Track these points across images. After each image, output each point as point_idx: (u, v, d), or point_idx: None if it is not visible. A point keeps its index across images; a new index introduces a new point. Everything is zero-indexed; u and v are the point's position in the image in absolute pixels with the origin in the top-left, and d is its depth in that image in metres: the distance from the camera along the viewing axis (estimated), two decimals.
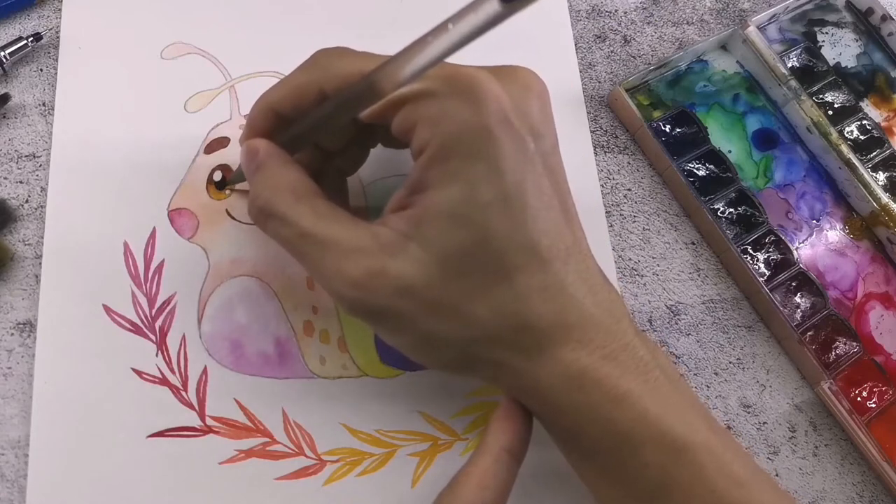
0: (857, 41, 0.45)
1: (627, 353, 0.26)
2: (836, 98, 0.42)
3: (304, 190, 0.27)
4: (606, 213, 0.38)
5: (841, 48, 0.44)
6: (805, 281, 0.38)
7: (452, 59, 0.22)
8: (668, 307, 0.37)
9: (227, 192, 0.34)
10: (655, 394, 0.26)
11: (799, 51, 0.43)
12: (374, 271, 0.25)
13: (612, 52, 0.42)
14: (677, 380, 0.27)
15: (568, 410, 0.26)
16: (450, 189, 0.24)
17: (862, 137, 0.42)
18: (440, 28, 0.21)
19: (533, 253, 0.25)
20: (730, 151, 0.40)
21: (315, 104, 0.27)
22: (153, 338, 0.32)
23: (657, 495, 0.25)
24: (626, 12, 0.43)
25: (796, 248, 0.39)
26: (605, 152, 0.40)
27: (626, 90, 0.39)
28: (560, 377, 0.25)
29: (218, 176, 0.34)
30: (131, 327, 0.32)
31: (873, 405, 0.36)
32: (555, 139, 0.27)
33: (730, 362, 0.37)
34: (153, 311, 0.32)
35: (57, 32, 0.36)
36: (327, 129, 0.27)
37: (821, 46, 0.44)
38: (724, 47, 0.43)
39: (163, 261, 0.33)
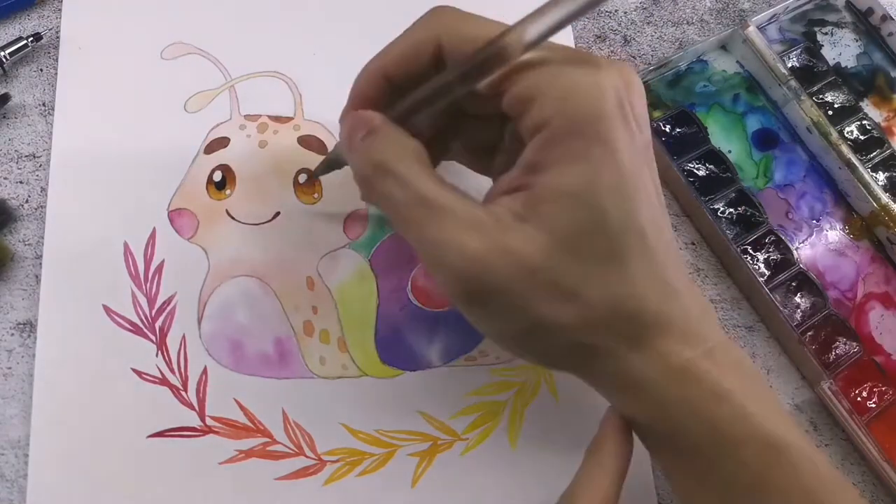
0: (857, 41, 0.45)
1: (723, 351, 0.26)
2: (836, 98, 0.42)
3: (424, 157, 0.26)
4: None
5: (841, 48, 0.44)
6: (805, 281, 0.38)
7: None
8: None
9: (218, 178, 0.34)
10: (753, 393, 0.25)
11: (799, 51, 0.43)
12: (497, 247, 0.24)
13: (612, 52, 0.42)
14: (765, 382, 0.27)
15: (668, 406, 0.25)
16: (572, 169, 0.24)
17: (862, 137, 0.42)
18: None
19: (643, 240, 0.24)
20: (730, 151, 0.40)
21: (428, 69, 0.26)
22: (153, 338, 0.32)
23: (753, 495, 0.25)
24: (626, 12, 0.43)
25: (796, 248, 0.39)
26: None
27: None
28: (663, 371, 0.25)
29: (218, 176, 0.34)
30: (131, 327, 0.32)
31: (873, 405, 0.36)
32: (650, 135, 0.26)
33: None
34: (153, 311, 0.32)
35: (57, 32, 0.36)
36: (443, 100, 0.25)
37: (821, 46, 0.44)
38: (724, 47, 0.43)
39: (163, 261, 0.33)
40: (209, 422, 0.31)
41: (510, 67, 0.24)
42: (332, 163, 0.33)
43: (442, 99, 0.25)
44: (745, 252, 0.38)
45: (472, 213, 0.24)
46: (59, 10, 0.36)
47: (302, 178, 0.35)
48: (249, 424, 0.31)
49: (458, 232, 0.24)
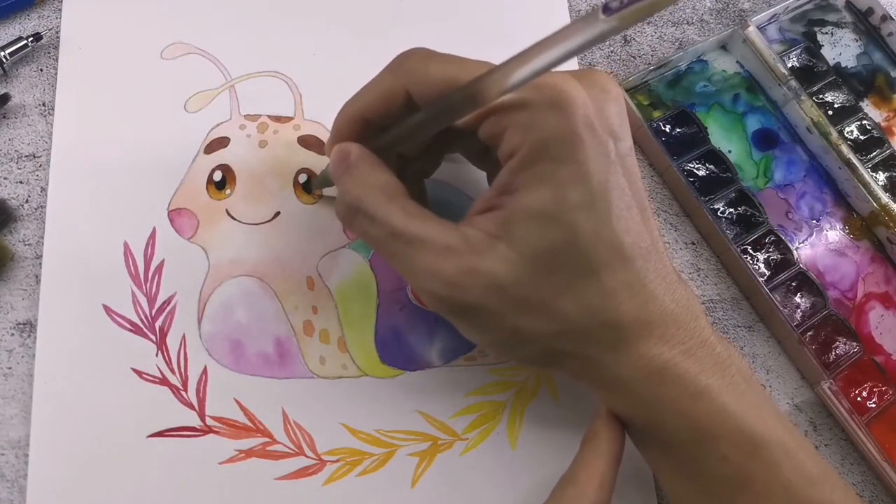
0: (857, 41, 0.45)
1: (706, 350, 0.27)
2: (836, 98, 0.42)
3: (395, 190, 0.27)
4: None
5: (841, 48, 0.44)
6: (805, 281, 0.38)
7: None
8: None
9: (316, 195, 0.35)
10: (733, 390, 0.26)
11: (799, 51, 0.43)
12: (466, 270, 0.25)
13: (612, 52, 0.42)
14: (750, 376, 0.28)
15: (649, 404, 0.26)
16: (539, 191, 0.25)
17: (862, 137, 0.42)
18: (550, 39, 0.21)
19: (617, 251, 0.25)
20: (730, 151, 0.40)
21: (403, 109, 0.28)
22: (153, 338, 0.32)
23: (733, 490, 0.26)
24: None
25: (796, 248, 0.39)
26: None
27: (627, 90, 0.39)
28: (642, 371, 0.26)
29: (218, 176, 0.34)
30: (131, 327, 0.32)
31: (873, 405, 0.36)
32: (630, 142, 0.27)
33: None
34: (153, 311, 0.32)
35: (57, 32, 0.36)
36: (421, 136, 0.27)
37: (821, 46, 0.44)
38: (724, 47, 0.43)
39: (163, 261, 0.33)
40: (209, 422, 0.31)
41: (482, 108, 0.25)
42: (327, 179, 0.33)
43: (419, 135, 0.27)
44: (745, 252, 0.38)
45: (443, 240, 0.26)
46: (59, 10, 0.36)
47: (302, 178, 0.35)
48: (249, 424, 0.31)
49: (431, 259, 0.26)
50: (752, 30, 0.41)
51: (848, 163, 0.40)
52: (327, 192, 0.35)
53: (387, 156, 0.29)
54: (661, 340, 0.26)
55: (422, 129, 0.27)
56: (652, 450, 0.28)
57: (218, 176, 0.34)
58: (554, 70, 0.22)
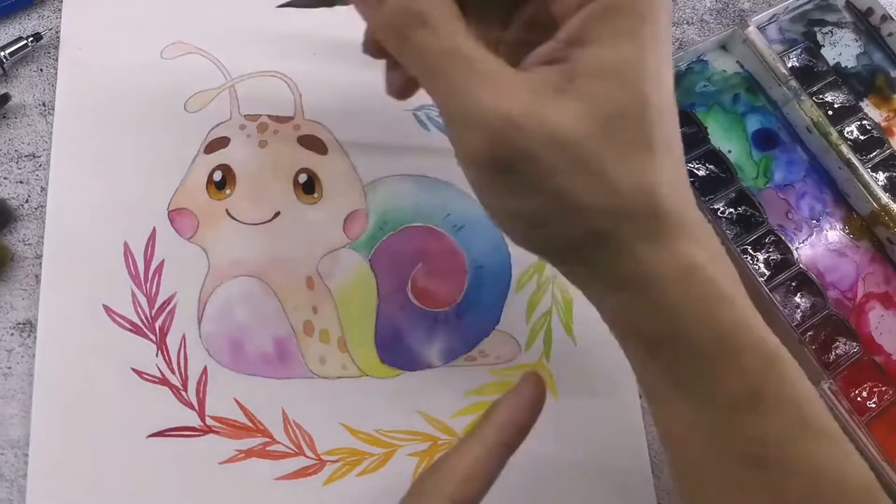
0: (857, 41, 0.45)
1: (726, 262, 0.26)
2: (836, 98, 0.42)
3: (458, 12, 0.24)
4: None
5: (841, 48, 0.44)
6: (805, 281, 0.38)
7: None
8: None
9: (218, 178, 0.33)
10: (749, 304, 0.25)
11: (799, 51, 0.43)
12: (531, 112, 0.22)
13: None
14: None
15: (675, 306, 0.24)
16: (620, 46, 0.23)
17: (862, 137, 0.42)
18: None
19: (670, 135, 0.24)
20: (730, 151, 0.40)
21: None
22: (153, 338, 0.32)
23: (745, 406, 0.24)
24: None
25: (796, 248, 0.39)
26: None
27: None
28: (674, 268, 0.24)
29: (218, 176, 0.34)
30: (131, 327, 0.32)
31: (873, 405, 0.36)
32: None
33: None
34: (153, 311, 0.32)
35: (57, 32, 0.36)
36: None
37: (821, 46, 0.44)
38: (724, 47, 0.43)
39: (163, 261, 0.33)
40: (209, 422, 0.31)
41: None
42: None
43: None
44: (745, 252, 0.38)
45: (508, 75, 0.23)
46: (59, 10, 0.36)
47: (302, 178, 0.35)
48: (249, 424, 0.31)
49: (496, 90, 0.23)
50: (752, 30, 0.41)
51: (848, 163, 0.40)
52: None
53: None
54: (694, 241, 0.25)
55: None
56: (654, 367, 0.26)
57: (218, 176, 0.34)
58: None
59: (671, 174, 0.24)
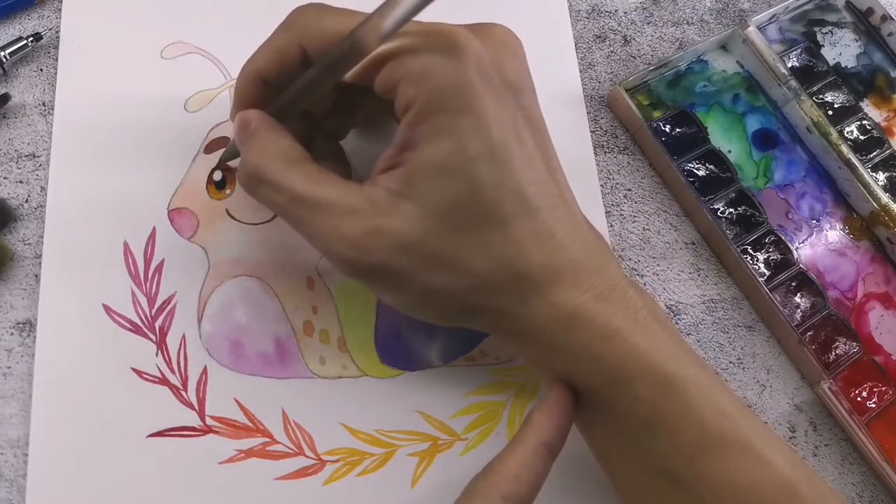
0: (857, 41, 0.45)
1: (617, 294, 0.27)
2: (836, 98, 0.42)
3: (295, 155, 0.27)
4: (606, 213, 0.38)
5: (841, 48, 0.44)
6: (805, 281, 0.38)
7: None
8: (668, 307, 0.37)
9: (218, 178, 0.34)
10: (644, 331, 0.26)
11: (799, 51, 0.43)
12: (371, 230, 0.25)
13: (611, 52, 0.42)
14: (665, 320, 0.28)
15: (562, 350, 0.26)
16: (439, 143, 0.25)
17: (862, 137, 0.42)
18: None
19: (522, 202, 0.25)
20: (730, 151, 0.40)
21: (299, 66, 0.27)
22: (153, 338, 0.32)
23: (648, 429, 0.26)
24: (626, 12, 0.43)
25: (796, 248, 0.39)
26: (605, 152, 0.40)
27: (626, 90, 0.39)
28: (554, 318, 0.26)
29: (218, 176, 0.34)
30: (131, 327, 0.32)
31: (873, 405, 0.36)
32: (533, 93, 0.27)
33: (730, 362, 0.37)
34: (153, 311, 0.32)
35: (57, 32, 0.36)
36: (316, 93, 0.27)
37: (821, 46, 0.44)
38: (724, 47, 0.43)
39: (163, 261, 0.33)
40: (209, 422, 0.31)
41: (370, 59, 0.25)
42: (234, 153, 0.33)
43: (314, 92, 0.27)
44: (745, 252, 0.38)
45: (347, 201, 0.25)
46: (59, 10, 0.36)
47: None
48: (249, 424, 0.31)
49: (334, 221, 0.25)
50: (752, 30, 0.41)
51: (848, 163, 0.40)
52: (233, 164, 0.34)
53: (290, 118, 0.28)
54: (571, 286, 0.26)
55: (316, 85, 0.26)
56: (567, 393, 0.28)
57: (218, 176, 0.34)
58: (451, 23, 0.22)
59: (530, 237, 0.26)
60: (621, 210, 0.38)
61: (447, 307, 0.27)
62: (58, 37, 0.36)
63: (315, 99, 0.28)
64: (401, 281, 0.26)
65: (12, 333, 0.31)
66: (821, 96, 0.42)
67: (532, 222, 0.25)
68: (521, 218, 0.25)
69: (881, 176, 0.41)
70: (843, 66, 0.44)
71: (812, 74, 0.42)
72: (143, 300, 0.32)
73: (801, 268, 0.38)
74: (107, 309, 0.32)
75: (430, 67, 0.24)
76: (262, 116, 0.28)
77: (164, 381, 0.31)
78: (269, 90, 0.29)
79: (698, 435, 0.26)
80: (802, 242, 0.39)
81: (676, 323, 0.37)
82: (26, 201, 0.33)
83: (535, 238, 0.26)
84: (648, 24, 0.43)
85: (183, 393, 0.31)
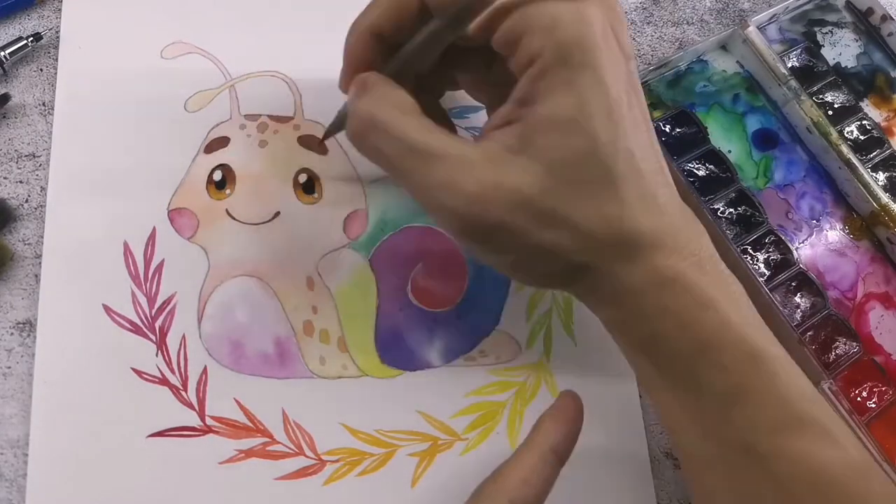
0: (857, 41, 0.45)
1: (712, 265, 0.27)
2: (836, 98, 0.42)
3: (411, 107, 0.26)
4: None
5: (841, 48, 0.44)
6: (805, 281, 0.38)
7: None
8: None
9: (321, 150, 0.33)
10: (736, 305, 0.27)
11: (799, 51, 0.43)
12: (490, 184, 0.24)
13: None
14: (748, 300, 0.28)
15: (654, 315, 0.26)
16: (562, 98, 0.24)
17: (862, 137, 0.42)
18: None
19: (632, 163, 0.25)
20: (730, 151, 0.40)
21: (416, 20, 0.27)
22: (153, 338, 0.32)
23: (730, 400, 0.26)
24: (626, 12, 0.43)
25: (796, 248, 0.39)
26: None
27: None
28: (654, 283, 0.26)
29: (218, 176, 0.34)
30: (131, 327, 0.32)
31: (873, 405, 0.36)
32: (636, 62, 0.27)
33: None
34: (153, 311, 0.32)
35: (57, 32, 0.36)
36: (436, 49, 0.26)
37: (821, 46, 0.44)
38: (724, 47, 0.43)
39: (163, 261, 0.33)
40: (209, 422, 0.31)
41: (495, 8, 0.24)
42: (340, 122, 0.32)
43: (434, 48, 0.26)
44: (745, 252, 0.38)
45: (463, 154, 0.25)
46: (59, 10, 0.36)
47: (302, 178, 0.35)
48: (249, 424, 0.31)
49: (452, 174, 0.25)
50: (752, 30, 0.41)
51: (848, 163, 0.40)
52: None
53: (404, 80, 0.27)
54: (672, 252, 0.26)
55: (438, 39, 0.25)
56: (647, 366, 0.28)
57: (218, 176, 0.34)
58: None
59: (638, 198, 0.26)
60: None
61: (553, 266, 0.26)
62: (58, 37, 0.36)
63: (434, 56, 0.27)
64: (513, 239, 0.25)
65: (12, 333, 0.31)
66: (821, 96, 0.42)
67: (640, 184, 0.25)
68: (630, 179, 0.25)
69: (881, 176, 0.41)
70: (843, 66, 0.44)
71: (812, 74, 0.42)
72: (143, 300, 0.32)
73: (801, 268, 0.38)
74: (107, 309, 0.32)
75: (558, 21, 0.24)
76: (379, 76, 0.27)
77: (164, 381, 0.31)
78: (383, 48, 0.28)
79: (781, 412, 0.26)
80: (802, 242, 0.39)
81: None
82: (26, 201, 0.33)
83: (642, 200, 0.26)
84: (648, 24, 0.43)
85: (183, 393, 0.31)
